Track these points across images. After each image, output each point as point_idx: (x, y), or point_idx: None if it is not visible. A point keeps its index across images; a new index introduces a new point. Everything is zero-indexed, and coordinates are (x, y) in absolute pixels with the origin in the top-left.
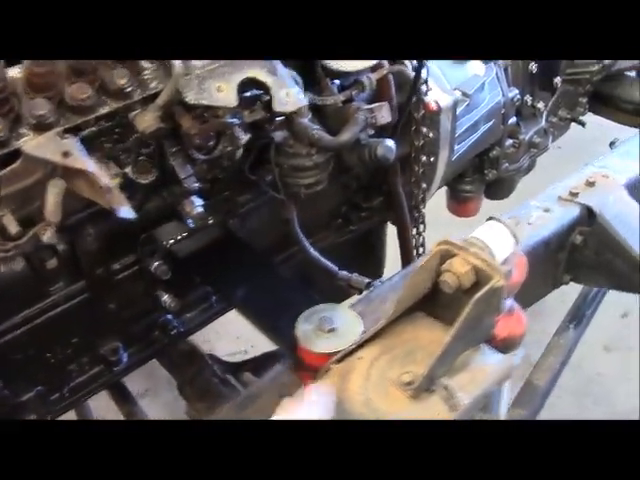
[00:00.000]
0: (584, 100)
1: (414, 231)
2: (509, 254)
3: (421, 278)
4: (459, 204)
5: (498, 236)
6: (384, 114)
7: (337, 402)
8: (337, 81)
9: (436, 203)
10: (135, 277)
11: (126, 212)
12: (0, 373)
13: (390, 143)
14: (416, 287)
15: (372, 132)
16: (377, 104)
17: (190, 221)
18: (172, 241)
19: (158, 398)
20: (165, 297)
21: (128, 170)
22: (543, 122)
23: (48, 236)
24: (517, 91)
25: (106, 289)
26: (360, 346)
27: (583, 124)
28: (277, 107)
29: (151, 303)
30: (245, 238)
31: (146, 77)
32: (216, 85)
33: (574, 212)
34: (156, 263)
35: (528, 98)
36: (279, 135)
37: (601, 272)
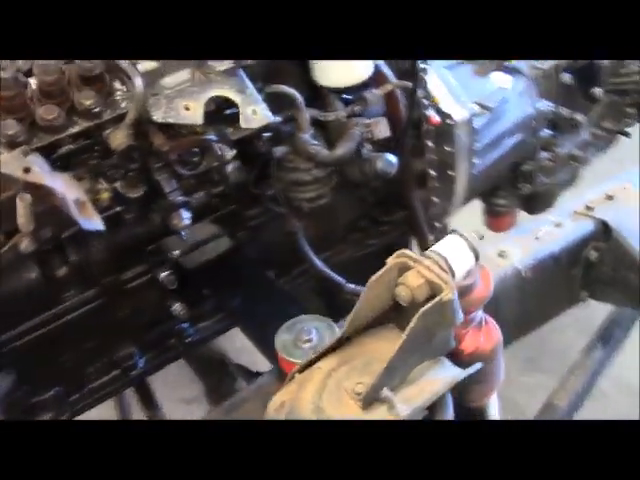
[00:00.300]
0: (632, 111)
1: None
2: (470, 268)
3: (377, 291)
4: (494, 218)
5: (457, 250)
6: (381, 129)
7: (289, 411)
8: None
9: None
10: (146, 286)
11: (92, 224)
12: (17, 373)
13: (391, 157)
14: (373, 300)
15: (373, 146)
16: (375, 119)
17: (183, 234)
18: (179, 252)
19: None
20: (176, 306)
21: (118, 185)
22: (585, 135)
23: (25, 245)
24: (549, 103)
25: (118, 297)
26: (322, 356)
27: (628, 135)
28: (243, 123)
29: (162, 312)
30: (255, 251)
31: (117, 98)
32: (183, 104)
33: (588, 227)
34: (164, 273)
35: (564, 110)
36: (279, 150)
37: (618, 289)
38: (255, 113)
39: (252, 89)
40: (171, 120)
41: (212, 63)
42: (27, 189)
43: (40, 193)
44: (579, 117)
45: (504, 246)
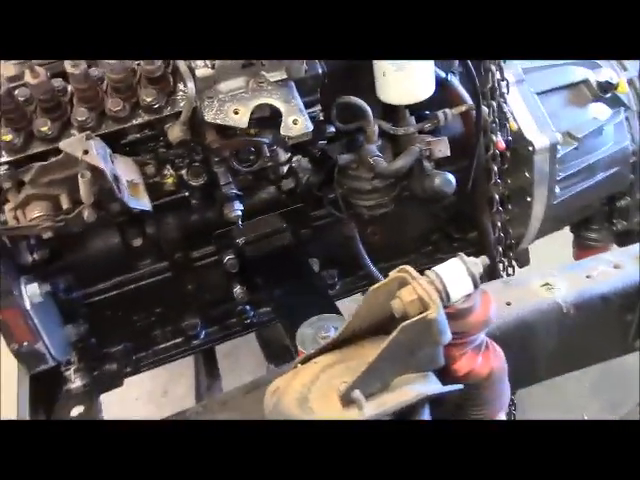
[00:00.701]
0: None
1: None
2: (469, 292)
3: (377, 300)
4: (583, 251)
5: (457, 274)
6: (442, 148)
7: (278, 397)
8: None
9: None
10: (212, 266)
11: (138, 204)
12: (90, 325)
13: (450, 177)
14: (372, 307)
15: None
16: (437, 138)
17: (239, 224)
18: (243, 240)
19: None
20: (237, 288)
21: (183, 173)
22: None
23: (87, 215)
24: None
25: (185, 272)
26: (322, 352)
27: None
28: (283, 131)
29: (225, 292)
30: (317, 250)
31: (178, 97)
32: (233, 108)
33: None
34: (228, 257)
35: None
36: (344, 158)
37: None
38: (296, 123)
39: (298, 100)
40: (219, 121)
41: (265, 73)
42: (87, 168)
43: (96, 173)
44: None
45: (552, 279)
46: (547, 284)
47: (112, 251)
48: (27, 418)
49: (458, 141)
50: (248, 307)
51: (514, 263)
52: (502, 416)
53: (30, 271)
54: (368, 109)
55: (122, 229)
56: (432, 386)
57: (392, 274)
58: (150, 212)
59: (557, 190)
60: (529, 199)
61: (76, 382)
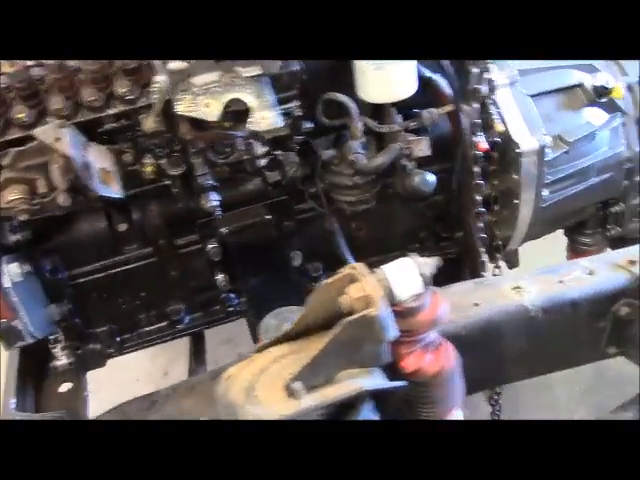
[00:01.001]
0: None
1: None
2: (417, 292)
3: (328, 295)
4: (576, 255)
5: (406, 273)
6: (422, 147)
7: (228, 383)
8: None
9: None
10: (197, 254)
11: (108, 191)
12: (75, 306)
13: (429, 177)
14: (324, 302)
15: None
16: (418, 137)
17: (218, 214)
18: (226, 229)
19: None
20: (220, 277)
21: (163, 162)
22: None
23: (61, 199)
24: None
25: (170, 259)
26: (277, 343)
27: None
28: (250, 125)
29: (209, 280)
30: (300, 243)
31: (153, 88)
32: (205, 101)
33: (621, 281)
34: (211, 245)
35: None
36: (327, 153)
37: None
38: (264, 118)
39: (269, 96)
40: (191, 114)
41: (239, 69)
42: (59, 155)
43: (68, 160)
44: None
45: (524, 282)
46: (518, 287)
47: (98, 235)
48: (14, 392)
49: (446, 141)
50: (232, 295)
51: (502, 264)
52: (456, 415)
53: (14, 251)
54: (352, 106)
55: (109, 214)
56: (374, 381)
57: (343, 270)
58: (122, 199)
59: (546, 193)
60: (516, 201)
61: (62, 360)
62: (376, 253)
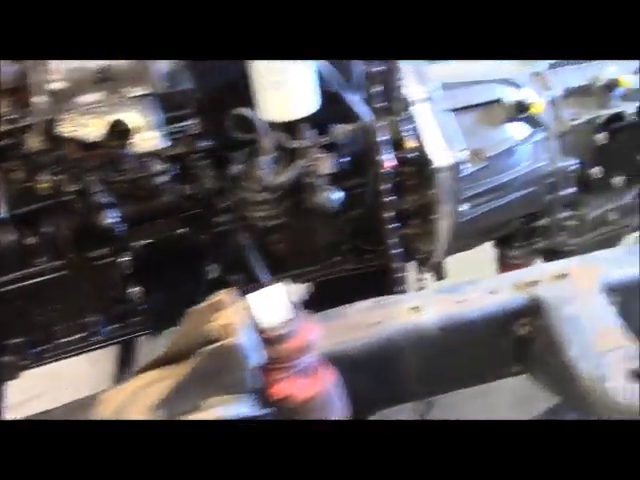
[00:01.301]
0: None
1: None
2: (286, 319)
3: (199, 321)
4: (505, 267)
5: (276, 300)
6: (326, 165)
7: (98, 409)
8: None
9: None
10: (110, 267)
11: None
12: None
13: (335, 194)
14: (195, 328)
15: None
16: (324, 154)
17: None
18: (140, 243)
19: None
20: (135, 290)
21: (59, 179)
22: (629, 198)
23: None
24: (574, 161)
25: (82, 271)
26: (149, 368)
27: None
28: (134, 146)
29: (123, 292)
30: (217, 256)
31: (38, 108)
32: (89, 121)
33: (518, 301)
34: (122, 258)
35: (597, 170)
36: (236, 168)
37: (549, 374)
38: (148, 138)
39: (154, 117)
40: (73, 135)
41: (124, 89)
42: None
43: None
44: (617, 180)
45: (422, 301)
46: (416, 307)
47: (7, 248)
48: None
49: (360, 156)
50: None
51: (427, 276)
52: None
53: None
54: (258, 121)
55: (18, 227)
56: (237, 409)
57: (215, 296)
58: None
59: (466, 208)
60: (435, 216)
61: None
62: (298, 266)
